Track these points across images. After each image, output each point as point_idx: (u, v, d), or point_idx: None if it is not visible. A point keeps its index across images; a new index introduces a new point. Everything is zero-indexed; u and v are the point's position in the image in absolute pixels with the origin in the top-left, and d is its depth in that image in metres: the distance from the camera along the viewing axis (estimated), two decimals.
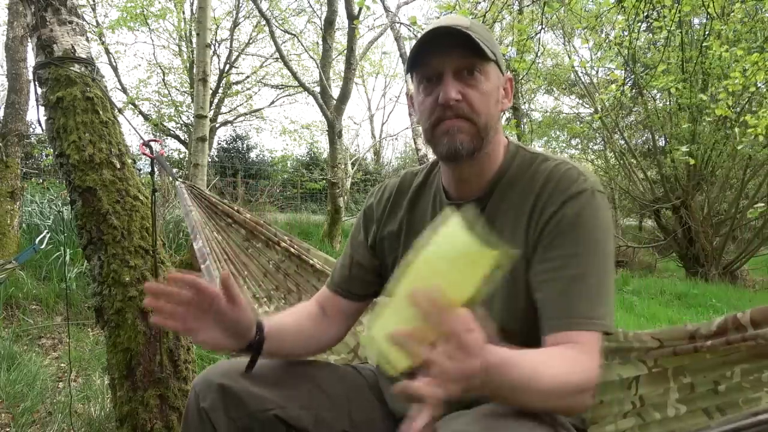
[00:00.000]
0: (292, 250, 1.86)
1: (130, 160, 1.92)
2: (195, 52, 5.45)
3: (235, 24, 12.42)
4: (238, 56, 13.10)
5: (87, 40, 1.93)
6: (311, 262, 1.83)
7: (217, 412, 1.00)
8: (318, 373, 1.13)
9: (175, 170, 2.10)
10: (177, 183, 1.92)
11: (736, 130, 5.41)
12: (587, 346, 0.87)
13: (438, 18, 1.08)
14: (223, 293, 0.94)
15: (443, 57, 0.95)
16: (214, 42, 11.67)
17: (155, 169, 1.85)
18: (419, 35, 0.98)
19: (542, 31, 4.66)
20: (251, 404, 1.01)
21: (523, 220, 0.97)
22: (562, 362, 0.84)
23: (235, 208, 1.94)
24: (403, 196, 1.15)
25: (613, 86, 5.51)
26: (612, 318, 0.91)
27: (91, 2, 10.89)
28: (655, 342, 1.12)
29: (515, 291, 0.97)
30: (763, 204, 4.97)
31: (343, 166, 8.59)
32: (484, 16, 4.23)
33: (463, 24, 0.96)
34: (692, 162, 6.64)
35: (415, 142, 9.20)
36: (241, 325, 0.98)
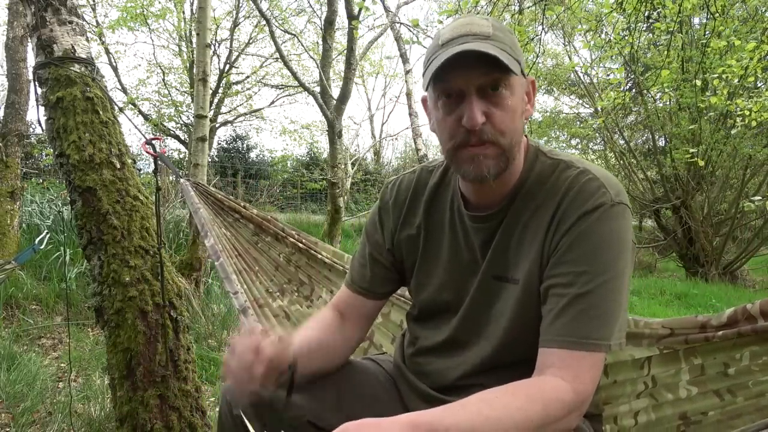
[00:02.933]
0: (301, 245, 1.87)
1: (130, 160, 1.92)
2: (195, 52, 5.44)
3: (235, 24, 12.41)
4: (238, 56, 13.09)
5: (87, 40, 1.93)
6: (320, 256, 1.84)
7: (251, 420, 1.00)
8: (343, 373, 1.14)
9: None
10: (182, 180, 1.93)
11: (738, 120, 5.38)
12: (572, 370, 0.85)
13: (455, 20, 0.97)
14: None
15: (466, 74, 0.89)
16: (214, 42, 11.67)
17: (158, 168, 1.85)
18: (439, 48, 0.91)
19: (543, 32, 4.64)
20: (284, 411, 1.01)
21: (540, 233, 0.96)
22: (510, 404, 0.80)
23: (242, 204, 1.95)
24: (419, 196, 1.13)
25: (612, 94, 5.48)
26: (620, 336, 0.89)
27: (91, 2, 10.88)
28: (666, 330, 1.15)
29: (528, 302, 0.96)
30: (759, 198, 4.94)
31: (343, 166, 8.59)
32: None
33: (484, 32, 0.90)
34: (701, 164, 6.57)
35: (415, 142, 9.20)
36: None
